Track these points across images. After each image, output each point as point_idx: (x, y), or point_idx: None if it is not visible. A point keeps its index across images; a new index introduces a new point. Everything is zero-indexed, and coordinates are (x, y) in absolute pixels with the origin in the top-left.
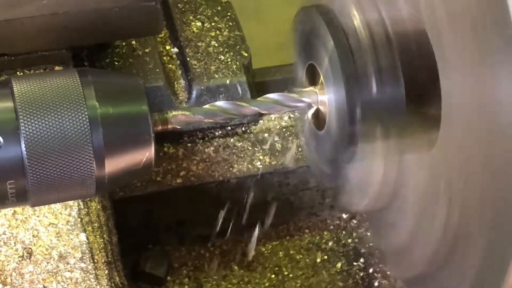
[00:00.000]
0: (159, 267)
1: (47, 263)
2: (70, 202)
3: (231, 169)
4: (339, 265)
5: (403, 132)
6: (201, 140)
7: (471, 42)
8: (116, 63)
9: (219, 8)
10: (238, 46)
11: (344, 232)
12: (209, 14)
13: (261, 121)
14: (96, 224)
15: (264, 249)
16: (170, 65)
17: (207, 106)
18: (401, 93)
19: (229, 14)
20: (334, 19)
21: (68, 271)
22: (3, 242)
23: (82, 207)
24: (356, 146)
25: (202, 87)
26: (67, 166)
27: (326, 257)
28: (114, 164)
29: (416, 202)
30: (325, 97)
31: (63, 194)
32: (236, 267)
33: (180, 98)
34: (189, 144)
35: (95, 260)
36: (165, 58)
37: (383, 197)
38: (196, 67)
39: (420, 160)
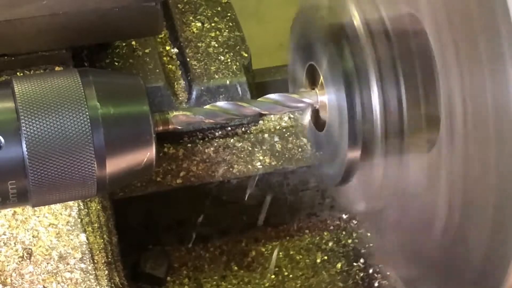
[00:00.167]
0: (159, 267)
1: (47, 263)
2: (70, 203)
3: (231, 169)
4: (339, 265)
5: (403, 132)
6: (201, 141)
7: (471, 42)
8: (116, 64)
9: (219, 8)
10: (238, 47)
11: (344, 233)
12: (209, 14)
13: (261, 122)
14: (96, 225)
15: (264, 250)
16: (170, 66)
17: (207, 106)
18: (401, 93)
19: (229, 14)
20: (334, 19)
21: (68, 271)
22: (3, 242)
23: (82, 207)
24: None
25: (202, 88)
26: (68, 166)
27: (326, 257)
28: (115, 164)
29: (416, 202)
30: (325, 97)
31: (64, 194)
32: (236, 267)
33: (180, 98)
34: (189, 145)
35: (95, 261)
36: (165, 58)
37: (383, 197)
38: (196, 67)
39: (420, 160)
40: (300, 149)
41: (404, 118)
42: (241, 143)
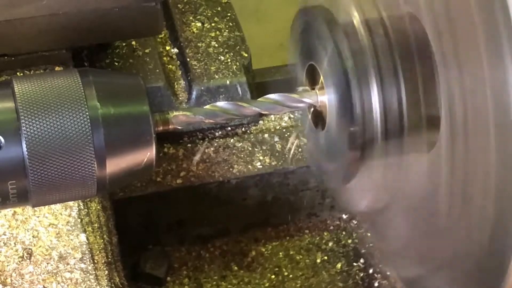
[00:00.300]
0: (159, 267)
1: (47, 263)
2: (70, 203)
3: (231, 169)
4: (339, 265)
5: (403, 132)
6: (201, 141)
7: (471, 42)
8: (116, 64)
9: (219, 8)
10: (238, 47)
11: (344, 233)
12: (209, 14)
13: (261, 122)
14: (96, 225)
15: (264, 250)
16: (170, 66)
17: (208, 106)
18: (401, 93)
19: (229, 14)
20: (333, 19)
21: (68, 271)
22: (3, 242)
23: (82, 207)
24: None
25: (202, 88)
26: (68, 166)
27: (326, 257)
28: (115, 165)
29: (416, 202)
30: (325, 97)
31: (64, 195)
32: (236, 267)
33: (180, 98)
34: (189, 145)
35: (95, 261)
36: (165, 58)
37: (383, 197)
38: (196, 67)
39: (420, 160)
40: (300, 149)
41: (404, 118)
42: (241, 143)
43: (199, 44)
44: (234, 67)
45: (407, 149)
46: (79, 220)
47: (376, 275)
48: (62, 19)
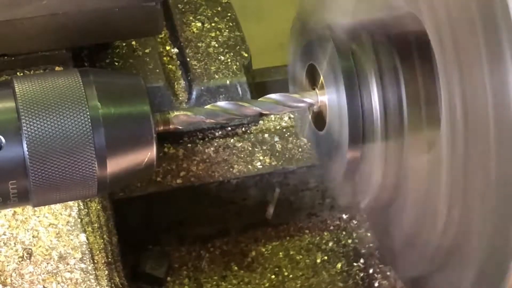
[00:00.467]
0: (159, 267)
1: (47, 263)
2: (70, 203)
3: (231, 169)
4: (339, 265)
5: (403, 132)
6: (201, 141)
7: (471, 42)
8: (116, 64)
9: (219, 8)
10: (238, 47)
11: (344, 233)
12: (209, 14)
13: (261, 122)
14: (96, 225)
15: (264, 250)
16: (170, 66)
17: (208, 106)
18: (401, 93)
19: (229, 14)
20: (334, 19)
21: (68, 271)
22: (3, 242)
23: (82, 207)
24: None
25: (202, 88)
26: (69, 166)
27: (326, 257)
28: (116, 164)
29: (416, 202)
30: (325, 98)
31: (64, 194)
32: (236, 267)
33: (180, 98)
34: (189, 145)
35: (95, 261)
36: (165, 58)
37: (383, 197)
38: (196, 67)
39: (420, 160)
40: (300, 149)
41: (404, 118)
42: (241, 143)
43: (199, 44)
44: (234, 67)
45: (407, 149)
46: (79, 220)
47: (376, 275)
48: (62, 19)
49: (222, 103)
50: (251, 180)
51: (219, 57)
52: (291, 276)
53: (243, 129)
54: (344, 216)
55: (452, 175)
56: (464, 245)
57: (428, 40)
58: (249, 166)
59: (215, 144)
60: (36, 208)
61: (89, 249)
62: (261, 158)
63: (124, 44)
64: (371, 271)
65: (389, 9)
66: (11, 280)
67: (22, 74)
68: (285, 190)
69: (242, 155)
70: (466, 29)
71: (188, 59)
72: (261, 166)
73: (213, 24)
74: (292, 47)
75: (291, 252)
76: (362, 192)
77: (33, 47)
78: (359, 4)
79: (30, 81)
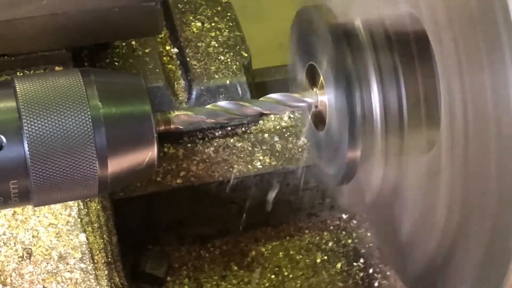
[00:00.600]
0: (159, 267)
1: (47, 263)
2: (70, 203)
3: (231, 169)
4: (339, 265)
5: (403, 132)
6: (201, 141)
7: (471, 42)
8: (116, 64)
9: (219, 8)
10: (238, 47)
11: (344, 233)
12: (209, 14)
13: (261, 122)
14: (96, 225)
15: (264, 250)
16: (170, 66)
17: (209, 106)
18: (401, 93)
19: (229, 14)
20: (333, 19)
21: (68, 271)
22: (3, 242)
23: (82, 207)
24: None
25: (202, 88)
26: (70, 166)
27: (326, 257)
28: (117, 164)
29: (416, 202)
30: (325, 98)
31: (65, 194)
32: (236, 267)
33: (180, 98)
34: (189, 145)
35: (95, 261)
36: (165, 58)
37: (383, 197)
38: (196, 67)
39: (420, 160)
40: (300, 149)
41: (404, 118)
42: (241, 143)
43: (199, 44)
44: (234, 67)
45: (407, 149)
46: (79, 220)
47: (376, 275)
48: (62, 19)
49: (223, 103)
50: (251, 180)
51: (219, 57)
52: (291, 276)
53: (243, 129)
54: (344, 216)
55: (452, 175)
56: (464, 245)
57: (428, 40)
58: (249, 166)
59: (215, 144)
60: (36, 208)
61: (89, 249)
62: (261, 158)
63: (124, 44)
64: (371, 271)
65: (389, 9)
66: (11, 280)
67: (22, 74)
68: (285, 190)
69: (242, 155)
70: (466, 29)
71: (188, 59)
72: (261, 166)
73: (213, 24)
74: (292, 47)
75: (291, 252)
76: (361, 192)
77: (33, 47)
78: (359, 4)
79: (31, 80)
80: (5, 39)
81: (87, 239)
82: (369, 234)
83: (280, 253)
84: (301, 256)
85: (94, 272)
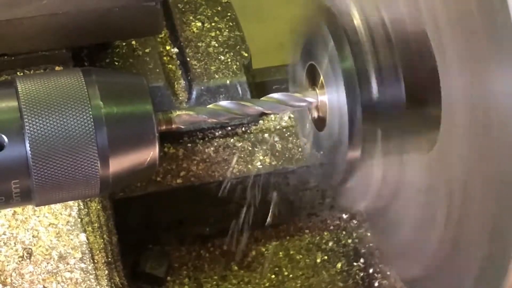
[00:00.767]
0: (159, 267)
1: (47, 263)
2: (70, 203)
3: (231, 169)
4: (339, 265)
5: (403, 132)
6: (201, 140)
7: (471, 42)
8: (116, 63)
9: (219, 8)
10: (238, 46)
11: (344, 232)
12: (209, 14)
13: (261, 121)
14: (96, 224)
15: (264, 249)
16: (170, 65)
17: (211, 105)
18: (401, 93)
19: (229, 14)
20: (334, 19)
21: (68, 271)
22: (3, 242)
23: (82, 207)
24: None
25: (202, 87)
26: (72, 165)
27: (326, 257)
28: (119, 164)
29: (416, 202)
30: (325, 98)
31: (67, 194)
32: (236, 267)
33: (180, 98)
34: (189, 144)
35: (95, 260)
36: (165, 58)
37: (383, 197)
38: (196, 67)
39: (420, 160)
40: (300, 149)
41: (404, 118)
42: (241, 143)
43: (199, 44)
44: (234, 66)
45: (407, 149)
46: (79, 219)
47: (376, 275)
48: (62, 19)
49: (224, 103)
50: (251, 179)
51: (219, 57)
52: (291, 276)
53: (243, 129)
54: (344, 216)
55: (452, 175)
56: (464, 245)
57: (428, 40)
58: (249, 166)
59: (215, 143)
60: (36, 208)
61: (89, 249)
62: (261, 158)
63: (124, 44)
64: (371, 270)
65: (389, 9)
66: (11, 279)
67: (22, 74)
68: (285, 190)
69: (242, 155)
70: (466, 29)
71: (188, 59)
72: (261, 166)
73: (213, 24)
74: (292, 47)
75: (291, 252)
76: (361, 193)
77: (33, 47)
78: (359, 4)
79: (33, 80)
80: (5, 39)
81: (87, 239)
82: (369, 234)
83: (280, 253)
84: (301, 256)
85: (94, 272)
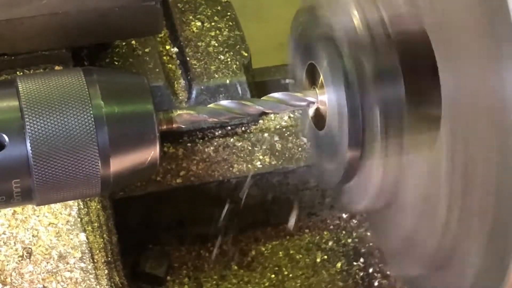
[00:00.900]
0: (159, 267)
1: (47, 263)
2: (70, 202)
3: (231, 169)
4: (339, 265)
5: (403, 132)
6: (201, 140)
7: (471, 42)
8: (116, 63)
9: (219, 8)
10: (238, 46)
11: (344, 232)
12: (209, 14)
13: (261, 121)
14: (96, 224)
15: (264, 249)
16: (170, 65)
17: (211, 105)
18: (401, 93)
19: (229, 14)
20: (334, 19)
21: (68, 271)
22: (3, 242)
23: (82, 207)
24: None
25: (202, 87)
26: (72, 165)
27: (326, 257)
28: (119, 163)
29: (416, 202)
30: (325, 97)
31: (68, 193)
32: (236, 267)
33: (180, 98)
34: (189, 144)
35: (95, 260)
36: (165, 58)
37: (383, 197)
38: (196, 67)
39: (420, 160)
40: (300, 149)
41: (404, 118)
42: (241, 143)
43: (199, 43)
44: (234, 66)
45: (407, 149)
46: (79, 219)
47: (376, 275)
48: (62, 18)
49: (225, 102)
50: (251, 179)
51: (219, 57)
52: (291, 275)
53: (243, 128)
54: (344, 216)
55: (452, 175)
56: (464, 245)
57: (428, 40)
58: (249, 166)
59: (215, 143)
60: (36, 207)
61: (89, 249)
62: (261, 157)
63: (124, 43)
64: (371, 270)
65: (389, 9)
66: (11, 279)
67: (22, 73)
68: (285, 190)
69: (242, 155)
70: (466, 29)
71: (188, 59)
72: (261, 166)
73: (213, 24)
74: (292, 47)
75: (291, 252)
76: (361, 192)
77: (33, 46)
78: (359, 4)
79: (34, 80)
80: (5, 38)
81: (87, 238)
82: (369, 233)
83: (280, 252)
84: (301, 256)
85: (94, 272)
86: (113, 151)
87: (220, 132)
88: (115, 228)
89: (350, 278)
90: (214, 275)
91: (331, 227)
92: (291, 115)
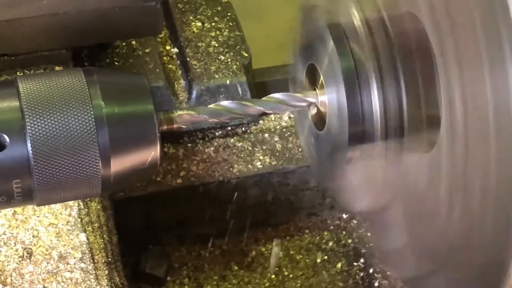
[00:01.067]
0: (159, 267)
1: (47, 263)
2: (70, 202)
3: (231, 169)
4: (339, 265)
5: (403, 132)
6: (201, 140)
7: (471, 42)
8: (116, 63)
9: (219, 8)
10: (238, 46)
11: (344, 232)
12: (209, 14)
13: (261, 121)
14: (96, 224)
15: (264, 249)
16: (170, 65)
17: (212, 105)
18: (401, 93)
19: (229, 14)
20: (334, 19)
21: (68, 271)
22: (3, 242)
23: (82, 207)
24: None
25: (202, 87)
26: (73, 165)
27: (326, 257)
28: (120, 164)
29: (416, 202)
30: (325, 97)
31: (68, 194)
32: (236, 267)
33: (180, 98)
34: (189, 144)
35: (95, 260)
36: (165, 58)
37: (383, 197)
38: (196, 67)
39: (420, 160)
40: (300, 149)
41: (404, 118)
42: (241, 143)
43: (199, 44)
44: (234, 66)
45: (407, 149)
46: (79, 219)
47: (376, 275)
48: (62, 19)
49: (225, 103)
50: (251, 179)
51: (219, 57)
52: (291, 275)
53: (243, 128)
54: (344, 216)
55: (452, 175)
56: (464, 245)
57: (428, 40)
58: (249, 166)
59: (215, 143)
60: (36, 208)
61: (89, 249)
62: (261, 158)
63: (124, 44)
64: (371, 270)
65: (389, 9)
66: (11, 279)
67: (22, 74)
68: (285, 190)
69: (242, 155)
70: (466, 29)
71: (188, 59)
72: (261, 166)
73: (213, 24)
74: (292, 47)
75: (291, 252)
76: (361, 192)
77: (33, 47)
78: (359, 4)
79: (34, 80)
80: (5, 39)
81: (87, 239)
82: (369, 234)
83: (280, 253)
84: (301, 256)
85: (94, 272)
86: (113, 152)
87: (220, 132)
88: (115, 228)
89: (351, 278)
90: (214, 275)
91: (331, 227)
92: (291, 116)
